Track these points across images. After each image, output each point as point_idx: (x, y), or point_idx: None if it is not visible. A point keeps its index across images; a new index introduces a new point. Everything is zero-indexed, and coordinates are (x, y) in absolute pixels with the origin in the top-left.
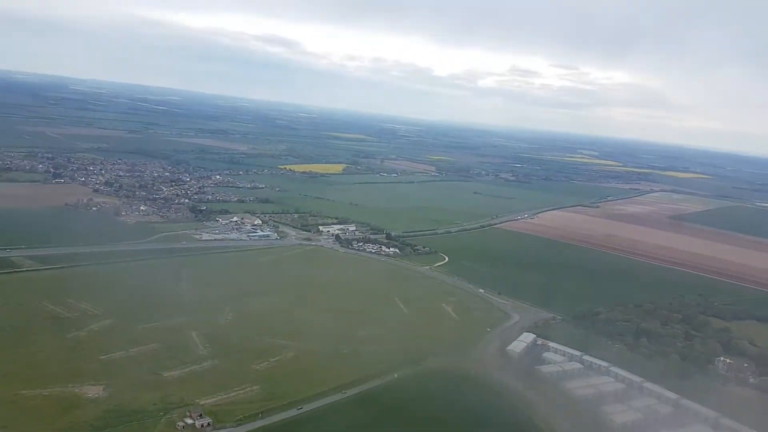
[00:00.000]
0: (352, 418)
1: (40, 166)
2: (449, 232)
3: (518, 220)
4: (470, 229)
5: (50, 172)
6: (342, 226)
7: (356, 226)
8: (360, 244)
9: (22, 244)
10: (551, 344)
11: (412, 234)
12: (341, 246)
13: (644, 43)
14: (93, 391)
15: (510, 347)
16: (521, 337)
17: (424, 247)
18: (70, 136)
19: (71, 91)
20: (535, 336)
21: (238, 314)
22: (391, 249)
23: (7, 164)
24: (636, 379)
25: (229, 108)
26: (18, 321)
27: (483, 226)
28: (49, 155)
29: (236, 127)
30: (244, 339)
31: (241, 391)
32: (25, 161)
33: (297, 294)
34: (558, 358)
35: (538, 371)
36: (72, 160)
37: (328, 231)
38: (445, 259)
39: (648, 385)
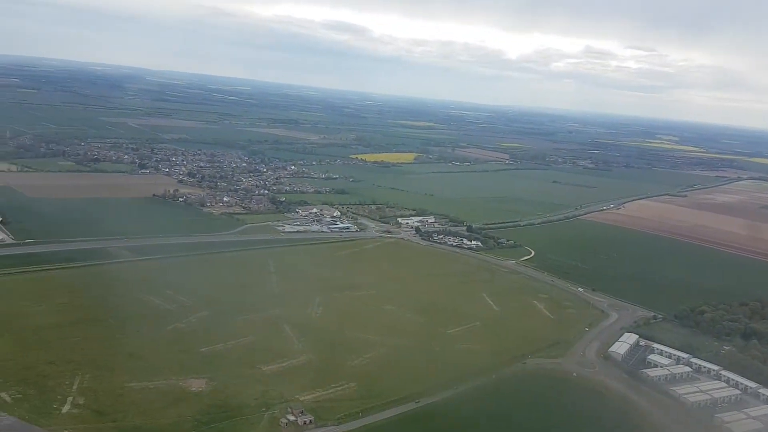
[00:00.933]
0: (452, 420)
1: (126, 156)
2: (532, 224)
3: (603, 210)
4: (554, 221)
5: (136, 163)
6: (421, 218)
7: (435, 218)
8: (440, 236)
9: (117, 235)
10: (655, 346)
11: (493, 226)
12: (422, 239)
13: (725, 22)
14: (196, 384)
15: (612, 349)
16: (623, 338)
17: (507, 240)
18: (151, 127)
19: (147, 83)
20: (637, 337)
21: (327, 308)
22: (473, 242)
23: (95, 155)
24: (751, 384)
25: (297, 97)
26: (120, 312)
27: (567, 218)
28: (133, 146)
29: (305, 116)
30: (336, 334)
31: (339, 388)
32: (112, 152)
33: (383, 288)
34: (664, 360)
35: (644, 375)
36: (155, 151)
37: (407, 223)
38: (531, 252)
39: (765, 391)
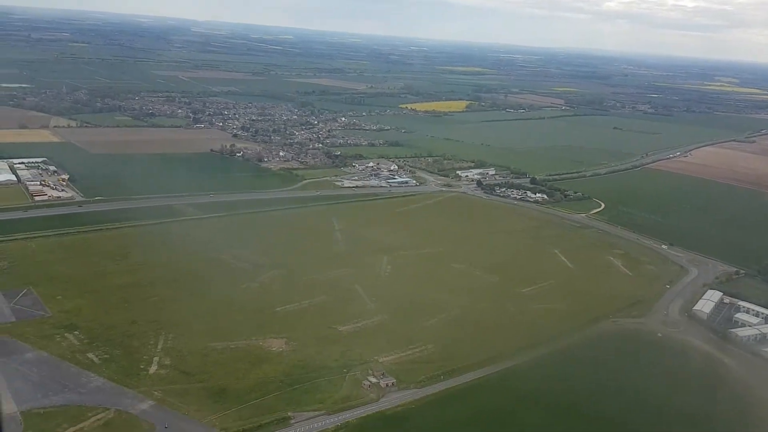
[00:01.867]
0: (536, 384)
1: (180, 111)
2: (598, 174)
3: (670, 158)
4: (621, 171)
5: (190, 117)
6: (481, 171)
7: (495, 170)
8: (502, 189)
9: (181, 192)
10: (741, 303)
11: (557, 177)
12: (484, 192)
13: None
14: (276, 344)
15: (696, 307)
16: (706, 295)
17: (575, 192)
18: (200, 79)
19: (192, 34)
20: (721, 294)
21: (396, 267)
22: (538, 194)
23: (150, 109)
24: None
25: (341, 45)
26: (194, 271)
27: (634, 167)
28: (186, 100)
29: (351, 65)
30: (407, 293)
31: (417, 350)
32: (165, 106)
33: (449, 245)
34: (753, 319)
35: (733, 335)
36: (207, 104)
37: (466, 176)
38: (600, 205)
39: None
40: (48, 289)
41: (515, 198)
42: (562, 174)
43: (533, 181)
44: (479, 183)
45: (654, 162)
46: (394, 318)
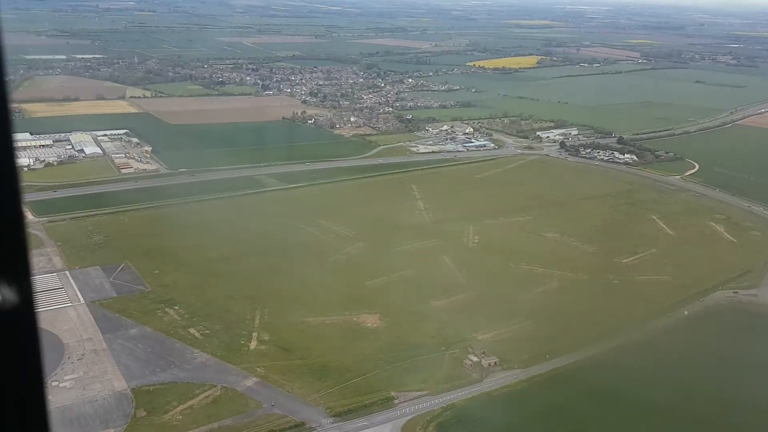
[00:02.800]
0: (652, 362)
1: (248, 78)
2: (688, 133)
3: (762, 113)
4: (711, 128)
5: (258, 84)
6: (562, 131)
7: (578, 130)
8: (588, 151)
9: (260, 162)
10: None
11: (644, 136)
12: (569, 154)
13: None
14: (370, 320)
15: None
16: None
17: (666, 152)
18: (264, 44)
19: None
20: None
21: (483, 237)
22: (627, 155)
23: (220, 77)
24: None
25: (400, 2)
26: (281, 244)
27: (724, 124)
28: (252, 66)
29: (413, 23)
30: (499, 265)
31: (516, 327)
32: (234, 74)
33: (538, 213)
34: None
35: None
36: (274, 70)
37: (548, 137)
38: (694, 166)
39: None
40: (144, 263)
41: (602, 160)
42: (649, 133)
43: (620, 141)
44: (562, 144)
45: (744, 118)
46: (488, 292)
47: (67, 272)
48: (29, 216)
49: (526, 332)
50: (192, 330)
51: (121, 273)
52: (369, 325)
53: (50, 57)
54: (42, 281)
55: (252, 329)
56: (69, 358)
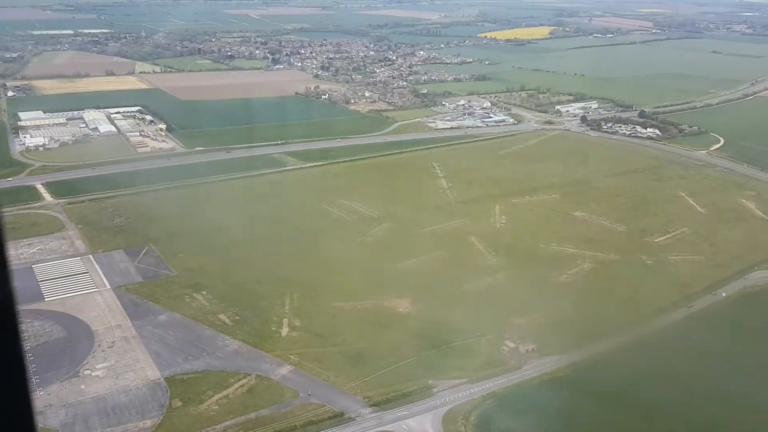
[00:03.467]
0: (697, 344)
1: (257, 51)
2: (709, 105)
3: None
4: (732, 100)
5: (268, 58)
6: (582, 104)
7: (597, 103)
8: (609, 125)
9: (276, 139)
10: None
11: (666, 110)
12: (590, 129)
13: None
14: (402, 305)
15: None
16: None
17: (690, 126)
18: (271, 17)
19: None
20: None
21: (511, 216)
22: (649, 129)
23: (229, 51)
24: None
25: None
26: (307, 225)
27: (746, 95)
28: (261, 39)
29: None
30: (529, 246)
31: (551, 311)
32: (243, 47)
33: (564, 191)
34: None
35: None
36: (283, 44)
37: (567, 111)
38: (719, 140)
39: None
40: (168, 246)
41: (624, 134)
42: (670, 106)
43: (642, 114)
44: (583, 119)
45: (765, 90)
46: (519, 274)
47: (90, 256)
48: (48, 197)
49: (561, 316)
50: (222, 316)
51: (145, 257)
52: (401, 310)
53: (57, 32)
54: (66, 266)
55: (282, 315)
56: (99, 345)
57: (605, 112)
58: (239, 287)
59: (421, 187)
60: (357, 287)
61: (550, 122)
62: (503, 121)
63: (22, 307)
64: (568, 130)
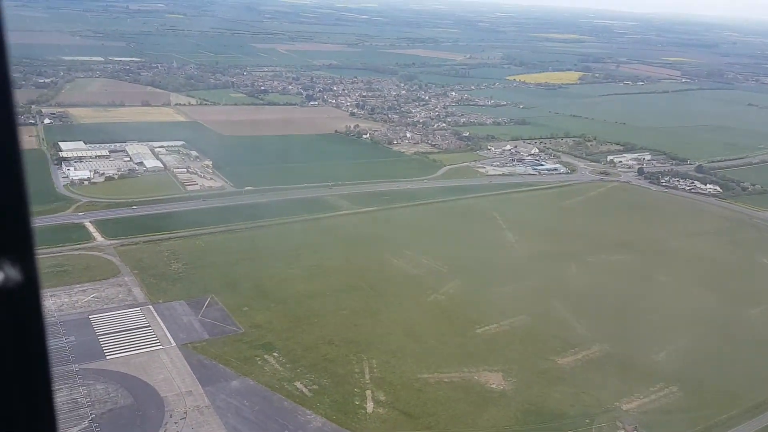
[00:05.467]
0: None
1: (290, 87)
2: (765, 162)
3: None
4: None
5: (302, 94)
6: (635, 156)
7: (650, 155)
8: (667, 179)
9: (326, 180)
10: None
11: (721, 164)
12: (649, 182)
13: None
14: (494, 379)
15: None
16: None
17: (753, 185)
18: (298, 52)
19: (279, 3)
20: None
21: (590, 278)
22: (709, 186)
23: (262, 86)
24: None
25: (425, 12)
26: (372, 278)
27: None
28: (292, 75)
29: (442, 33)
30: (616, 314)
31: (661, 393)
32: (275, 82)
33: (639, 250)
34: None
35: None
36: (314, 80)
37: (621, 162)
38: None
39: None
40: (230, 297)
41: (684, 190)
42: (725, 161)
43: (699, 169)
44: (640, 171)
45: None
46: (615, 348)
47: (150, 307)
48: (99, 237)
49: (673, 400)
50: (298, 384)
51: (208, 309)
52: (494, 385)
53: (88, 59)
54: (125, 317)
55: (364, 385)
56: (171, 416)
57: (659, 164)
58: (312, 349)
59: (486, 239)
60: (439, 355)
61: (605, 173)
62: (555, 169)
63: (84, 366)
64: (626, 182)
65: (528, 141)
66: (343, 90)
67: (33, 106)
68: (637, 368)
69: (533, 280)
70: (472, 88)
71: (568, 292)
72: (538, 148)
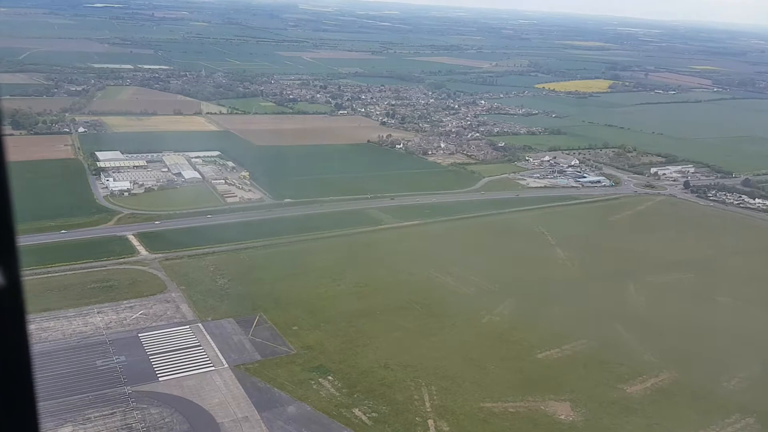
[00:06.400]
0: None
1: (318, 95)
2: None
3: None
4: None
5: (330, 103)
6: (679, 168)
7: (694, 167)
8: (713, 192)
9: (365, 193)
10: None
11: (766, 177)
12: (696, 196)
13: None
14: (561, 410)
15: None
16: None
17: None
18: (324, 60)
19: (302, 11)
20: None
21: (650, 299)
22: (758, 200)
23: (290, 95)
24: None
25: (448, 19)
26: (420, 296)
27: None
28: (319, 83)
29: (465, 41)
30: (682, 338)
31: (738, 426)
32: (304, 90)
33: (697, 269)
34: None
35: None
36: (342, 88)
37: (664, 174)
38: None
39: None
40: (279, 315)
41: (733, 204)
42: None
43: (746, 183)
44: (686, 184)
45: None
46: (684, 375)
47: (200, 324)
48: (143, 251)
49: None
50: (357, 411)
51: (258, 328)
52: (562, 417)
53: (117, 66)
54: (175, 336)
55: (425, 414)
56: None
57: (704, 177)
58: (367, 373)
59: (536, 256)
60: (501, 382)
61: (650, 186)
62: (599, 181)
63: (136, 388)
64: (673, 196)
65: (566, 152)
66: (372, 99)
67: (66, 114)
68: (710, 397)
69: (591, 301)
70: (501, 96)
71: (628, 313)
72: (578, 159)
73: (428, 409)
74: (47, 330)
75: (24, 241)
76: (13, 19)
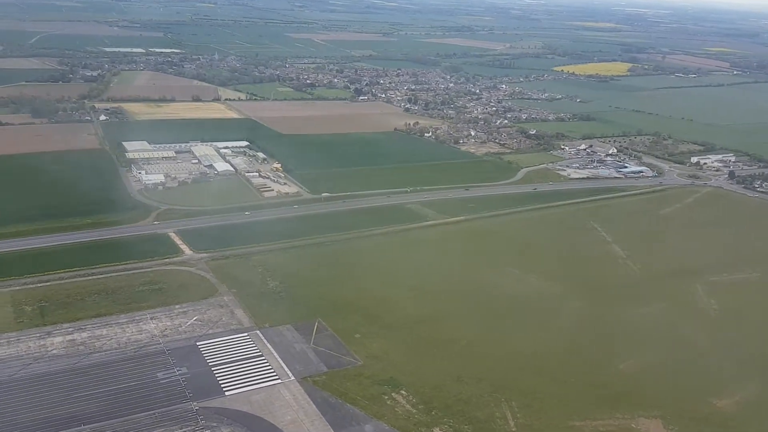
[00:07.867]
0: None
1: (336, 80)
2: None
3: None
4: None
5: (349, 88)
6: (720, 157)
7: (734, 156)
8: (759, 182)
9: (404, 185)
10: None
11: None
12: (744, 187)
13: None
14: (654, 428)
15: None
16: None
17: None
18: (335, 42)
19: None
20: None
21: (720, 302)
22: None
23: (307, 79)
24: None
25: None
26: (483, 298)
27: None
28: (335, 67)
29: (476, 21)
30: (758, 345)
31: None
32: (320, 75)
33: (762, 267)
34: None
35: None
36: (359, 72)
37: (706, 164)
38: None
39: None
40: (338, 322)
41: None
42: None
43: None
44: (731, 174)
45: None
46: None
47: (258, 332)
48: (187, 251)
49: None
50: (437, 431)
51: (319, 336)
52: None
53: (129, 50)
54: (234, 344)
55: None
56: None
57: (746, 167)
58: (441, 388)
59: (593, 254)
60: (584, 396)
61: (694, 176)
62: (641, 172)
63: (203, 404)
64: (719, 187)
65: (601, 140)
66: (390, 83)
67: (86, 101)
68: None
69: (660, 303)
70: (521, 79)
71: (701, 318)
72: (616, 148)
73: (513, 429)
74: (101, 338)
75: (62, 240)
76: (20, 1)
